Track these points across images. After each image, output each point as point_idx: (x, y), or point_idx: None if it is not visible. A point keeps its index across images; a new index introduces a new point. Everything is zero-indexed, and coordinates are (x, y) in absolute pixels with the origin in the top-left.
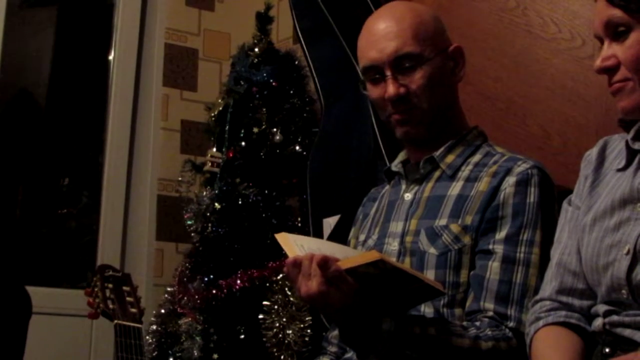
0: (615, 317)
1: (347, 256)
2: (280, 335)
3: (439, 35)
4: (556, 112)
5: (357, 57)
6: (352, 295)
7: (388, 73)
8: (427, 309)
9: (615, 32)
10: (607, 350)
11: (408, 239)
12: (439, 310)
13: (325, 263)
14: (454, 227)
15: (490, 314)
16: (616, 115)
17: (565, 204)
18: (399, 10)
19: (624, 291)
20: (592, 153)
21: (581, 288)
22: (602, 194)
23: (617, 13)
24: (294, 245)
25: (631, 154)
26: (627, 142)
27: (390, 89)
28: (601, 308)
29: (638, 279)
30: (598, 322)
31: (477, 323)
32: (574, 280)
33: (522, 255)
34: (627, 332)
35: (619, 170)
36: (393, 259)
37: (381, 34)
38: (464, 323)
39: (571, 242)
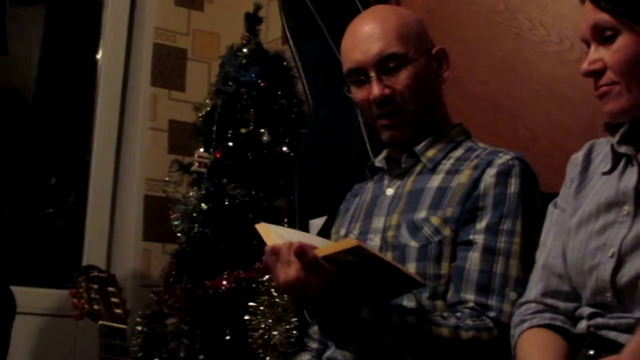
0: (599, 320)
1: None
2: (266, 336)
3: (423, 37)
4: (544, 114)
5: (341, 59)
6: (330, 283)
7: (372, 74)
8: (408, 302)
9: (602, 35)
10: (591, 352)
11: (390, 233)
12: (420, 303)
13: (303, 250)
14: (434, 219)
15: (471, 304)
16: (603, 118)
17: (551, 207)
18: (382, 13)
19: (608, 294)
20: (578, 156)
21: (566, 291)
22: (587, 197)
23: (604, 17)
24: (274, 234)
25: (616, 158)
26: (612, 145)
27: (375, 89)
28: (586, 310)
29: (622, 281)
30: (583, 325)
31: (458, 314)
32: (559, 283)
33: (502, 245)
34: (612, 335)
35: (605, 173)
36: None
37: (365, 36)
38: (444, 313)
39: (557, 244)
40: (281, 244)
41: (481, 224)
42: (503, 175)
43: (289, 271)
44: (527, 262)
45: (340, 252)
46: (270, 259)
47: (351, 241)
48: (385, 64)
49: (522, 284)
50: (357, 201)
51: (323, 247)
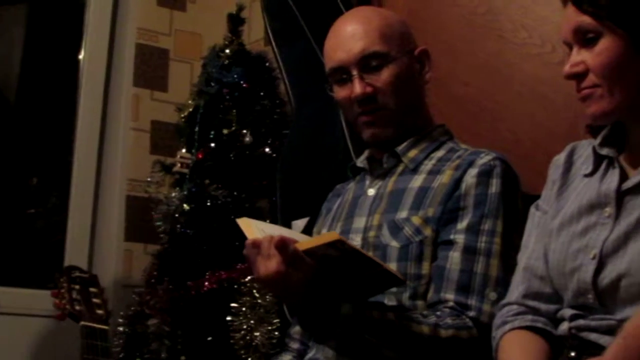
0: (581, 321)
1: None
2: (248, 337)
3: (405, 37)
4: (526, 116)
5: (324, 60)
6: (310, 277)
7: (354, 72)
8: (389, 302)
9: (584, 38)
10: (572, 354)
11: (371, 233)
12: (401, 303)
13: (284, 243)
14: (415, 219)
15: (451, 304)
16: (584, 121)
17: (532, 209)
18: (364, 14)
19: (590, 295)
20: (560, 158)
21: (548, 292)
22: (569, 199)
23: (586, 19)
24: (255, 229)
25: (598, 160)
26: (594, 147)
27: (357, 88)
28: (567, 312)
29: (604, 283)
30: (564, 327)
31: (438, 312)
32: (540, 285)
33: (483, 245)
34: (593, 337)
35: (586, 175)
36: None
37: (348, 36)
38: (424, 312)
39: (538, 246)
40: (262, 237)
41: (462, 224)
42: (484, 175)
43: (270, 264)
44: (508, 262)
45: (322, 245)
46: (251, 252)
47: (332, 235)
48: (367, 63)
49: (502, 284)
50: (339, 201)
51: (304, 241)
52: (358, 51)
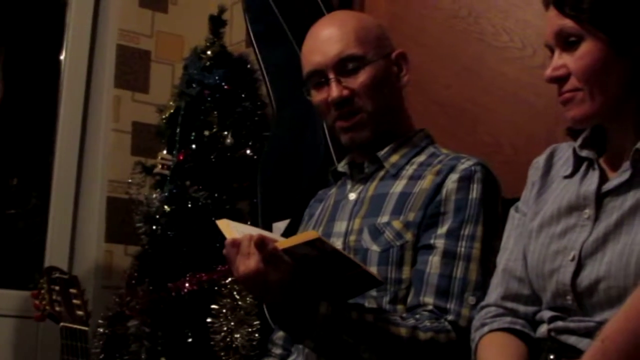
0: (560, 323)
1: None
2: (229, 339)
3: (382, 41)
4: (507, 120)
5: (301, 64)
6: (289, 275)
7: (331, 75)
8: (369, 305)
9: (566, 42)
10: (551, 357)
11: (352, 237)
12: (381, 307)
13: (262, 242)
14: (396, 224)
15: (430, 307)
16: (565, 124)
17: (512, 211)
18: (341, 17)
19: (569, 297)
20: (540, 160)
21: (526, 294)
22: (548, 201)
23: (568, 23)
24: (234, 230)
25: (578, 162)
26: (574, 149)
27: (334, 91)
28: (546, 314)
29: (583, 285)
30: (543, 329)
31: (417, 315)
32: (519, 287)
33: (462, 249)
34: (572, 339)
35: (566, 177)
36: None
37: (324, 39)
38: (403, 314)
39: (517, 248)
40: (241, 236)
41: (442, 229)
42: (465, 180)
43: (249, 263)
44: (487, 267)
45: (301, 244)
46: (231, 251)
47: (311, 233)
48: (344, 66)
49: (481, 289)
50: (321, 206)
51: (283, 240)
52: (334, 54)
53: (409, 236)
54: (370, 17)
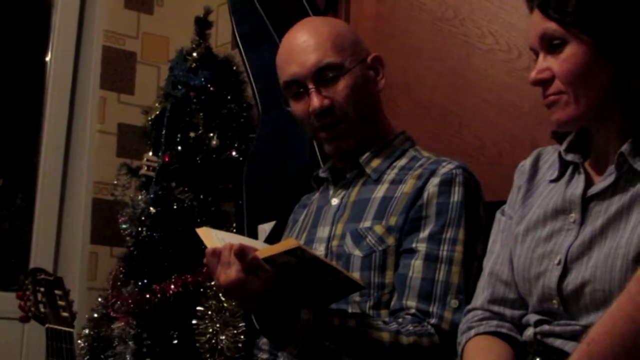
0: (546, 327)
1: None
2: (214, 341)
3: (357, 46)
4: (491, 122)
5: (277, 73)
6: (270, 284)
7: (311, 86)
8: (352, 310)
9: (550, 44)
10: None
11: (334, 243)
12: (364, 312)
13: (242, 251)
14: (378, 228)
15: (413, 311)
16: (550, 127)
17: (498, 214)
18: (314, 24)
19: (554, 301)
20: (526, 164)
21: (512, 298)
22: (534, 205)
23: (552, 26)
24: (215, 238)
25: (564, 165)
26: (559, 153)
27: (315, 101)
28: (532, 318)
29: (569, 289)
30: (529, 332)
31: (400, 319)
32: (505, 290)
33: (444, 253)
34: (558, 343)
35: (552, 181)
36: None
37: (300, 48)
38: (386, 319)
39: (504, 252)
40: (222, 246)
41: (424, 233)
42: (446, 184)
43: (229, 272)
44: (469, 270)
45: (281, 253)
46: (211, 260)
47: (291, 242)
48: (323, 75)
49: (463, 292)
50: (305, 212)
51: (264, 249)
52: (312, 64)
53: (391, 241)
54: (342, 22)
